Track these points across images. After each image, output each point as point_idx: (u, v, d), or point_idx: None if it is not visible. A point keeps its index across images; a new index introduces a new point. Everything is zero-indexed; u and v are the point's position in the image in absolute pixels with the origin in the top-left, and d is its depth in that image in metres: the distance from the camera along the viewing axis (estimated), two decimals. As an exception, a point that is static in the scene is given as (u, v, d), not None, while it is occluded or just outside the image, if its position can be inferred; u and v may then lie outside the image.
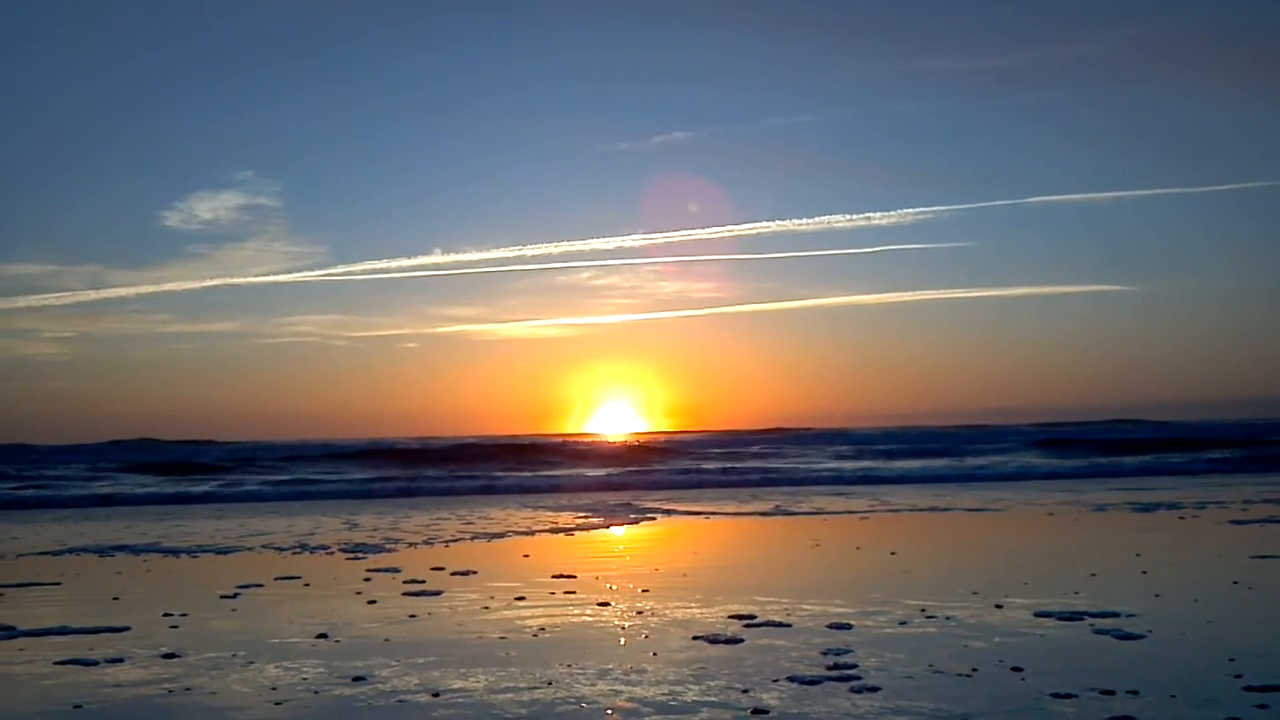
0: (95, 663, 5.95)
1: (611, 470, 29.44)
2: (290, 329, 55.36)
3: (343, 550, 11.75)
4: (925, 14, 45.88)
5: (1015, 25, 45.99)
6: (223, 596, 8.43)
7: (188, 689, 5.31)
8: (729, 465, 30.58)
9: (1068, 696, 4.81)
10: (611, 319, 55.50)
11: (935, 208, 45.49)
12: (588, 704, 4.86)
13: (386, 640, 6.45)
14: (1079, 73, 46.80)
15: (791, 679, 5.24)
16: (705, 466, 30.31)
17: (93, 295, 46.50)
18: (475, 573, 9.48)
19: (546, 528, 14.26)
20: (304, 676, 5.52)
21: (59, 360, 51.76)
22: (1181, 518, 13.86)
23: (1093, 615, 6.78)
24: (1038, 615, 6.84)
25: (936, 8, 45.72)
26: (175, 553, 11.86)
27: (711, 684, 5.19)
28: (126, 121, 47.46)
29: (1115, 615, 6.76)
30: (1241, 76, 45.94)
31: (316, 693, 5.17)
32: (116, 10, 43.07)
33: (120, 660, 6.00)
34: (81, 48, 44.68)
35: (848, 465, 30.63)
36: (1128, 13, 43.91)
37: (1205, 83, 45.62)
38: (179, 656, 6.08)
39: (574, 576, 9.14)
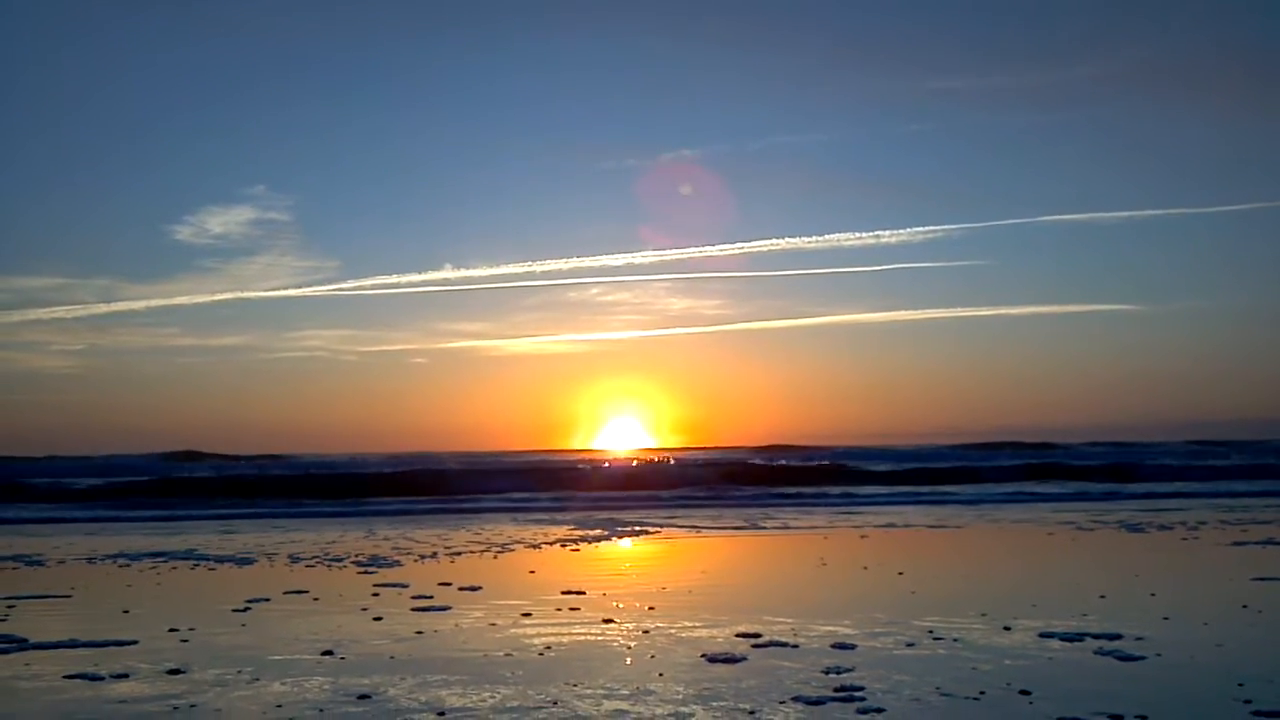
0: (101, 678, 5.94)
1: (617, 486, 29.41)
2: (300, 344, 55.46)
3: (355, 563, 11.79)
4: (934, 33, 46.00)
5: (1025, 45, 46.07)
6: (233, 610, 8.43)
7: (192, 706, 5.30)
8: (733, 485, 30.54)
9: (1076, 721, 4.80)
10: (620, 335, 55.60)
11: (944, 226, 45.59)
12: (593, 724, 4.85)
13: (392, 658, 6.44)
14: (1089, 93, 46.86)
15: (798, 699, 5.23)
16: (709, 483, 30.25)
17: (103, 309, 46.68)
18: (481, 589, 9.47)
19: (554, 543, 14.24)
20: (309, 695, 5.51)
21: (68, 373, 51.89)
22: (1187, 539, 13.81)
23: (1101, 638, 6.74)
24: (1046, 637, 6.81)
25: (946, 27, 45.84)
26: (194, 564, 11.88)
27: (718, 704, 5.17)
28: (138, 135, 47.68)
29: (1124, 638, 6.73)
30: (1251, 97, 45.94)
31: (321, 710, 5.16)
32: (128, 23, 43.33)
33: (125, 676, 5.99)
34: (92, 60, 44.95)
35: (851, 487, 30.56)
36: (1138, 33, 43.97)
37: (1215, 103, 45.63)
38: (184, 672, 6.07)
39: (580, 593, 9.12)
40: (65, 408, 52.86)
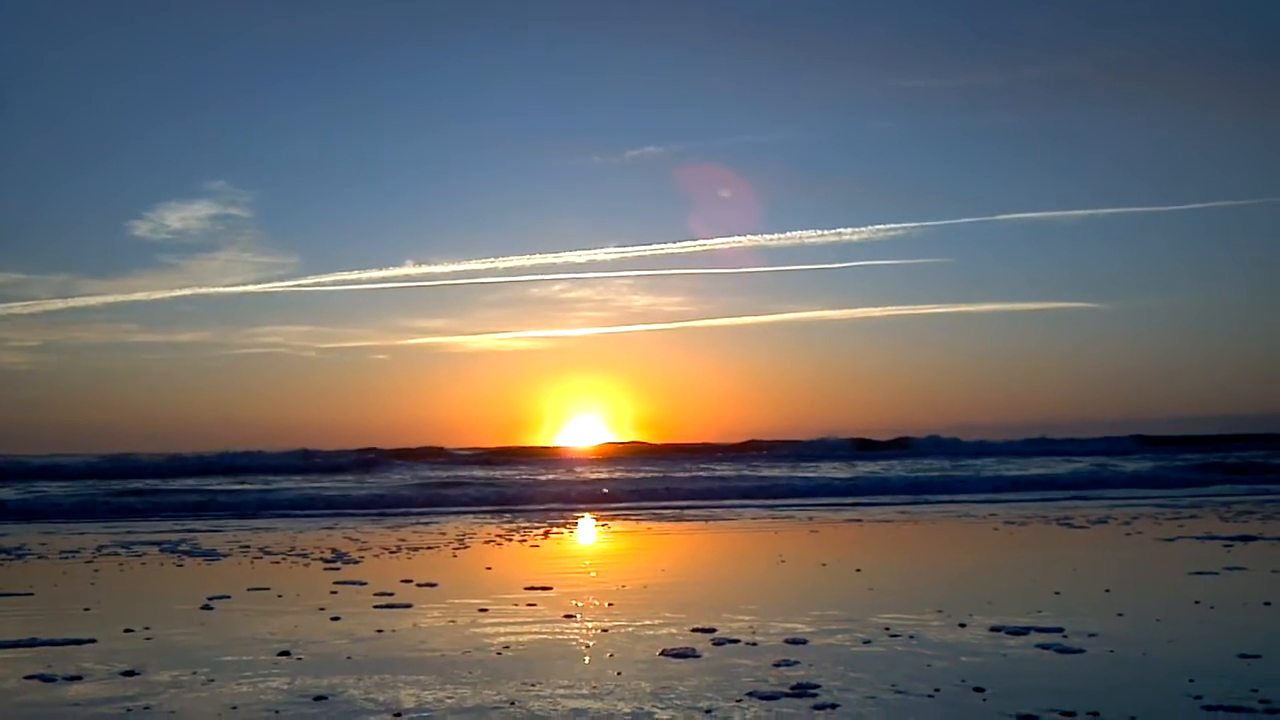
0: (54, 679, 5.89)
1: (579, 482, 29.43)
2: (260, 340, 54.87)
3: (321, 559, 11.80)
4: (898, 32, 46.22)
5: (987, 45, 46.36)
6: (195, 608, 8.38)
7: (146, 708, 5.26)
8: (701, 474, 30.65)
9: (1029, 717, 4.85)
10: (583, 332, 55.49)
11: (906, 224, 45.75)
12: (550, 723, 4.86)
13: (350, 658, 6.41)
14: (1049, 92, 47.24)
15: (753, 695, 5.26)
16: (670, 478, 30.34)
17: (60, 304, 46.07)
18: (439, 586, 9.45)
19: (512, 540, 14.23)
20: (265, 696, 5.48)
21: (24, 369, 51.23)
22: (1135, 533, 13.97)
23: (1055, 634, 6.82)
24: (1001, 634, 6.88)
25: (909, 26, 46.05)
26: (162, 560, 11.79)
27: (675, 701, 5.19)
28: (96, 129, 47.10)
29: (1078, 634, 6.81)
30: (1209, 98, 46.49)
31: (277, 712, 5.14)
32: (86, 18, 42.81)
33: (80, 677, 5.94)
34: (49, 55, 44.36)
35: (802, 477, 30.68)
36: (1099, 35, 44.35)
37: (1174, 103, 46.16)
38: (140, 673, 6.02)
39: (540, 590, 9.12)
40: (20, 404, 52.18)
